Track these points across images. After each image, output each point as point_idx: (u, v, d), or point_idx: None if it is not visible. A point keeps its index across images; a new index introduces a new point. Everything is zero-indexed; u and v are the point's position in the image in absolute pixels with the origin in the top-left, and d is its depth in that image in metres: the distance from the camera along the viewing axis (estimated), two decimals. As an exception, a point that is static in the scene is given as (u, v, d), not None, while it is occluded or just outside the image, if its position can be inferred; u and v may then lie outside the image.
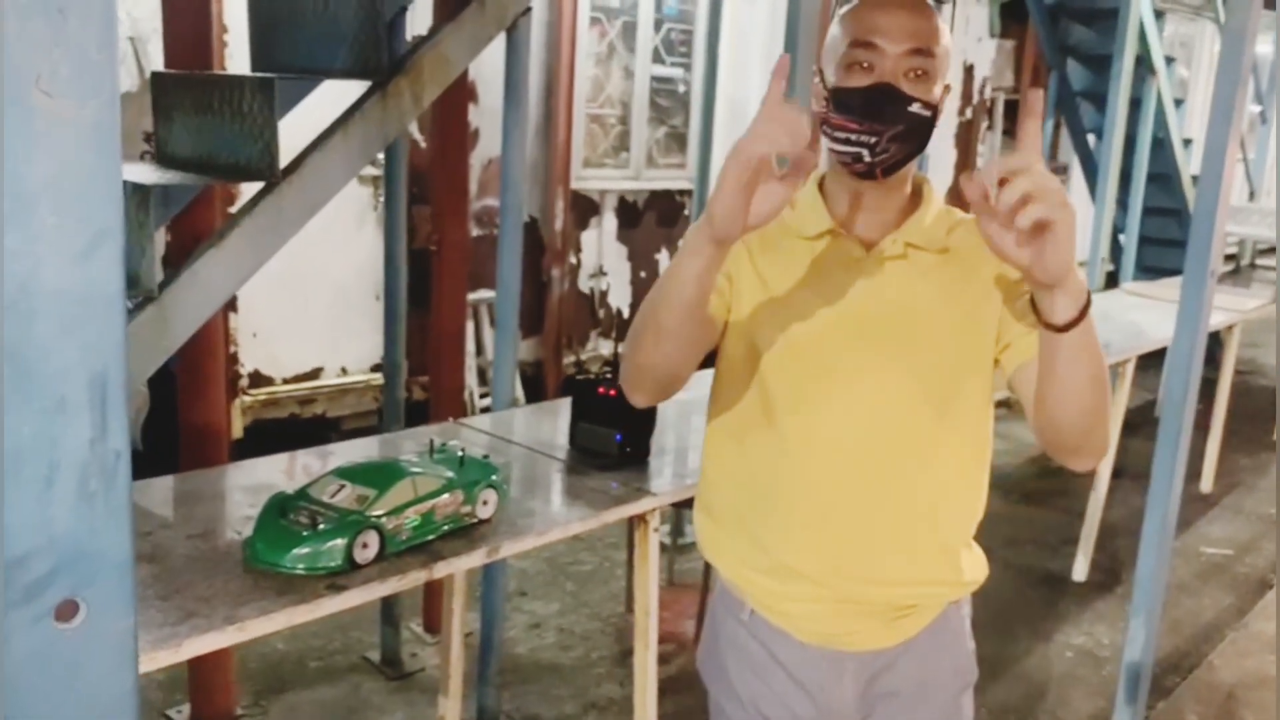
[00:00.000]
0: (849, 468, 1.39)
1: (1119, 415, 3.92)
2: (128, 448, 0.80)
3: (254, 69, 2.60)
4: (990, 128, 8.78)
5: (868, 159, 1.31)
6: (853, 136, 1.30)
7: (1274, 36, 8.45)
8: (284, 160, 2.12)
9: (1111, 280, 5.79)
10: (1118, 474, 4.10)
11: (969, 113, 8.20)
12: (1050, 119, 6.88)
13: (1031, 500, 5.02)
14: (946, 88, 1.36)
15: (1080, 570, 4.11)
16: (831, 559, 1.42)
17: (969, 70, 8.07)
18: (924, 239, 1.38)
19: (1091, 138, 6.86)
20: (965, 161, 8.23)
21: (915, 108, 1.30)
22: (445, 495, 1.79)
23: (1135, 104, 5.77)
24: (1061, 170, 9.28)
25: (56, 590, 0.80)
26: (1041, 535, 4.55)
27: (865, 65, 1.31)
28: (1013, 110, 8.64)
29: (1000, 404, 5.89)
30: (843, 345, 1.37)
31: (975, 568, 1.52)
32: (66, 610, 0.81)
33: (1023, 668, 3.45)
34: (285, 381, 4.91)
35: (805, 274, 1.39)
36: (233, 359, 4.58)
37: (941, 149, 7.88)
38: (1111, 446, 3.92)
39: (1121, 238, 6.39)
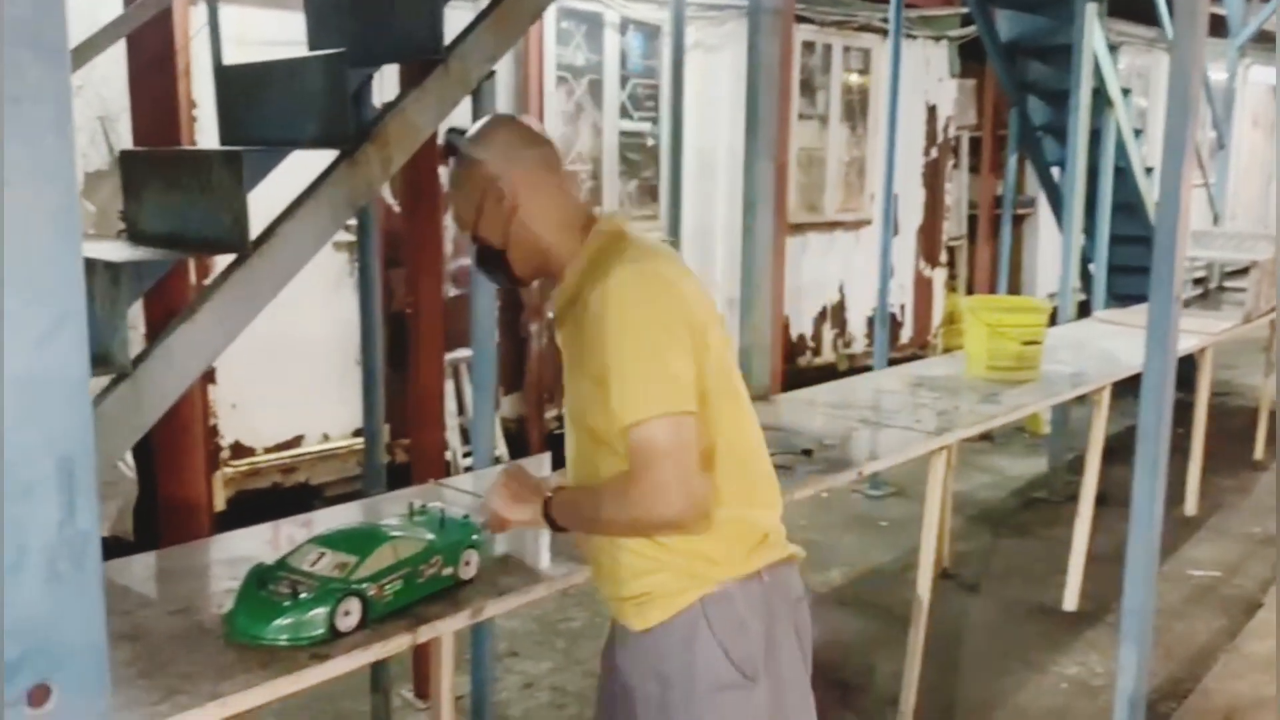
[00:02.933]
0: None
1: (1098, 444, 3.95)
2: (97, 528, 0.81)
3: (223, 142, 2.62)
4: (956, 165, 8.91)
5: (496, 284, 1.84)
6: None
7: (1225, 64, 8.63)
8: (255, 231, 2.13)
9: (1084, 309, 5.85)
10: (1101, 501, 4.11)
11: (934, 152, 8.33)
12: (1014, 154, 6.98)
13: (1018, 532, 5.03)
14: (491, 193, 1.65)
15: (1070, 600, 4.11)
16: None
17: (932, 110, 8.21)
18: (559, 301, 1.69)
19: (1056, 170, 6.97)
20: (934, 197, 8.33)
21: (477, 247, 1.72)
22: (427, 558, 1.78)
23: (1095, 135, 5.87)
24: (1028, 204, 9.41)
25: (27, 675, 0.79)
26: (1029, 566, 4.55)
27: None
28: (977, 147, 8.77)
29: (984, 437, 5.89)
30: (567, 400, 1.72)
31: None
32: (38, 695, 0.80)
33: (1018, 701, 3.44)
34: (266, 451, 4.89)
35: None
36: (212, 431, 4.56)
37: (910, 188, 7.99)
38: (1093, 474, 3.94)
39: (1091, 267, 6.46)
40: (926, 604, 3.02)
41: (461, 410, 5.58)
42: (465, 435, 5.53)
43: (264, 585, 1.67)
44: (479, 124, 1.72)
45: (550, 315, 1.74)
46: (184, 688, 1.45)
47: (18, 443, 0.76)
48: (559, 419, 6.14)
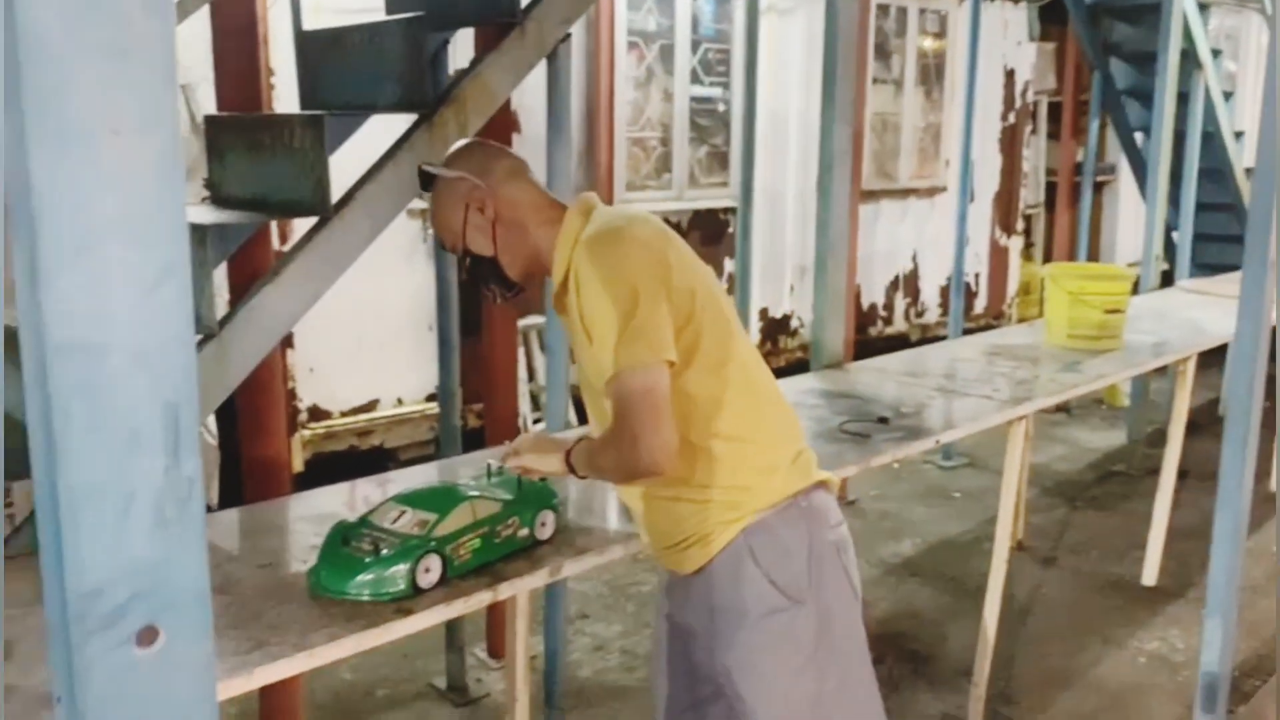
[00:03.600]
0: None
1: (1181, 415, 3.84)
2: (200, 475, 0.82)
3: (303, 107, 2.66)
4: (1034, 131, 8.70)
5: (493, 298, 1.86)
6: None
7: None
8: (335, 195, 2.16)
9: (1166, 279, 5.68)
10: (1183, 475, 4.01)
11: (1011, 117, 8.13)
12: (1095, 119, 6.78)
13: (1094, 505, 4.93)
14: (473, 205, 1.75)
15: (1150, 574, 4.02)
16: None
17: (1010, 75, 8.01)
18: (555, 282, 1.75)
19: (1139, 135, 6.76)
20: (1011, 164, 8.15)
21: (469, 262, 1.81)
22: (504, 518, 1.80)
23: (1183, 99, 5.67)
24: (1109, 170, 9.15)
25: (136, 617, 0.81)
26: (1106, 540, 4.46)
27: None
28: (1055, 112, 8.54)
29: (1060, 409, 5.80)
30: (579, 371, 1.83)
31: None
32: (146, 636, 0.82)
33: (1095, 675, 3.38)
34: (342, 414, 4.98)
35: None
36: (291, 394, 4.65)
37: (986, 154, 7.82)
38: (1176, 446, 3.84)
39: (1175, 235, 6.27)
40: (1003, 575, 2.98)
41: (531, 377, 5.62)
42: (534, 401, 5.58)
43: (347, 542, 1.70)
44: (449, 151, 1.85)
45: (551, 305, 1.85)
46: (272, 639, 1.48)
47: (126, 390, 0.78)
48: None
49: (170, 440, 0.79)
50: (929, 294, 7.77)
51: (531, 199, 1.77)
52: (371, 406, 5.09)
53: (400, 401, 5.19)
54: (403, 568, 1.63)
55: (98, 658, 0.80)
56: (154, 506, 0.80)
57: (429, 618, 1.62)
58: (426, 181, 1.80)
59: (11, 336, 2.21)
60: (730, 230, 6.40)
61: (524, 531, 1.84)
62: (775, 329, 6.76)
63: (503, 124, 3.43)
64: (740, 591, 1.68)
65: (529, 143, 5.16)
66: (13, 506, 4.03)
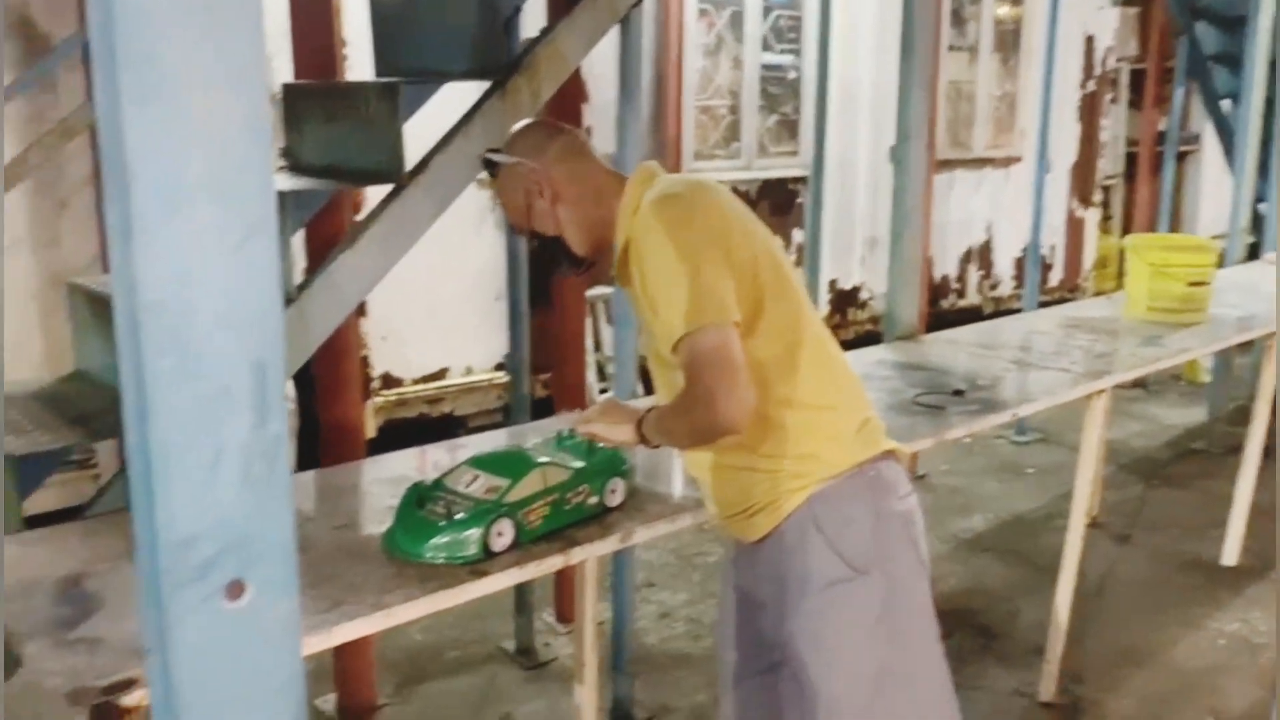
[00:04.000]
0: None
1: (1268, 392, 3.72)
2: (286, 433, 0.83)
3: (377, 75, 2.67)
4: (1114, 99, 8.44)
5: (564, 274, 1.89)
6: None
7: None
8: (409, 163, 2.17)
9: (1253, 252, 5.49)
10: (1268, 453, 3.89)
11: (1091, 85, 7.91)
12: (1180, 86, 6.55)
13: (1172, 483, 4.81)
14: (533, 188, 1.76)
15: (1230, 554, 3.92)
16: None
17: (1089, 41, 7.78)
18: (619, 254, 1.76)
19: (1226, 103, 6.52)
20: (1089, 133, 7.93)
21: (537, 242, 1.82)
22: (575, 485, 1.81)
23: (1274, 66, 5.45)
24: (1192, 140, 8.86)
25: (224, 571, 0.83)
26: (1184, 519, 4.36)
27: None
28: (1137, 79, 8.29)
29: (1137, 384, 5.67)
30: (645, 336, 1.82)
31: None
32: (234, 590, 0.83)
33: (1171, 656, 3.31)
34: (414, 382, 5.04)
35: None
36: (364, 362, 4.72)
37: (1064, 123, 7.62)
38: (1261, 424, 3.73)
39: (1262, 207, 6.05)
40: (1077, 551, 2.92)
41: (597, 347, 5.64)
42: (600, 371, 5.59)
43: (421, 505, 1.72)
44: (507, 137, 1.88)
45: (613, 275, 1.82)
46: (349, 598, 1.51)
47: (215, 347, 0.78)
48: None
49: (258, 398, 0.80)
50: (1003, 266, 7.62)
51: (591, 174, 1.78)
52: (442, 374, 5.15)
53: (469, 370, 5.24)
54: (476, 532, 1.65)
55: (188, 610, 0.82)
56: (241, 463, 0.81)
57: (501, 580, 1.63)
58: (491, 168, 1.83)
59: (94, 301, 2.27)
60: (799, 200, 6.32)
61: (594, 499, 1.84)
62: (844, 301, 6.68)
63: (572, 92, 3.42)
64: (806, 560, 1.68)
65: (597, 111, 5.14)
66: (98, 467, 4.16)
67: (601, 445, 1.94)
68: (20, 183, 2.35)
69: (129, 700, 1.24)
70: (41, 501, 2.27)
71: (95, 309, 2.25)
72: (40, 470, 2.39)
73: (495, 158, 1.81)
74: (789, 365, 1.66)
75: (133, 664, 1.29)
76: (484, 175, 2.11)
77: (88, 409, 2.13)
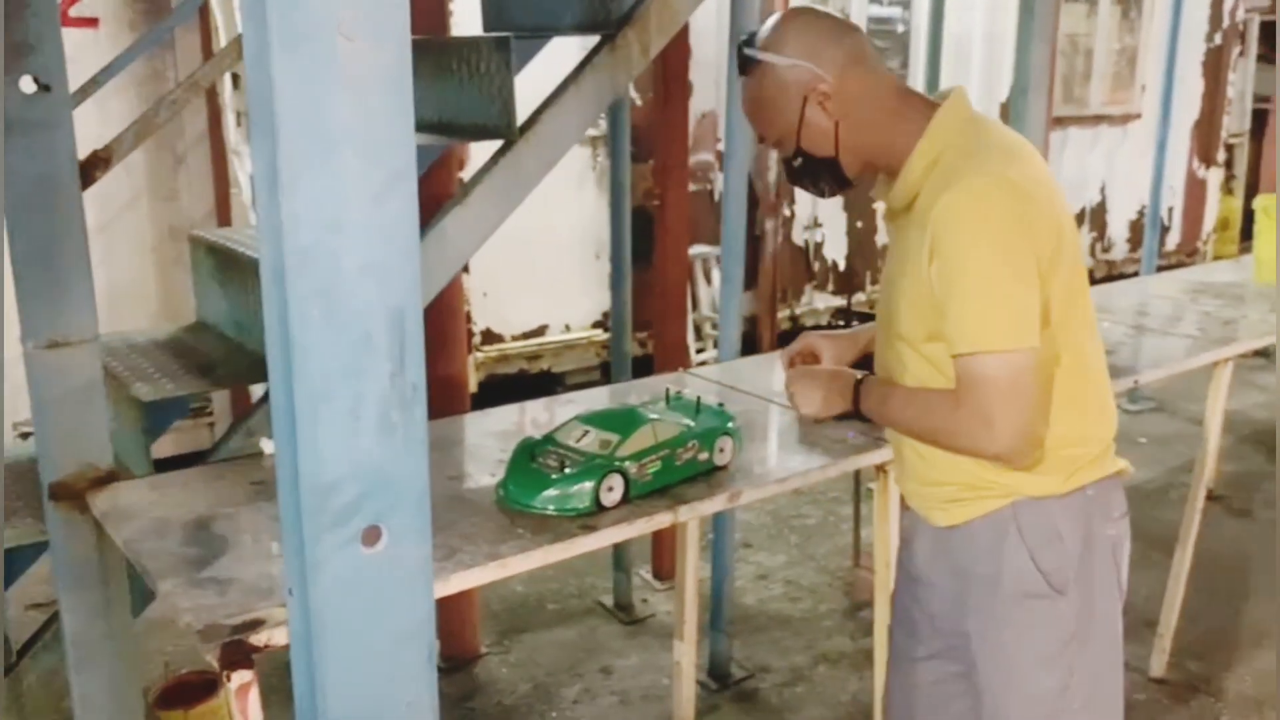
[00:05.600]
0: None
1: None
2: (424, 382, 0.84)
3: (486, 30, 2.67)
4: (1243, 53, 8.03)
5: (819, 195, 1.65)
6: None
7: None
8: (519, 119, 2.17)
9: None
10: (1403, 428, 3.70)
11: (1218, 38, 7.53)
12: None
13: (1296, 457, 4.61)
14: (812, 98, 1.50)
15: (1358, 533, 3.75)
16: None
17: (1218, -10, 7.40)
18: (896, 201, 1.54)
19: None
20: (1214, 89, 7.56)
21: (795, 163, 1.58)
22: (684, 441, 1.80)
23: None
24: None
25: (362, 517, 0.84)
26: (1310, 495, 4.18)
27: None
28: (1269, 32, 7.86)
29: (1259, 353, 5.41)
30: (881, 289, 1.66)
31: None
32: (371, 536, 0.85)
33: (1292, 636, 3.19)
34: (514, 338, 5.10)
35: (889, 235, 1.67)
36: (466, 318, 4.79)
37: (1187, 78, 7.27)
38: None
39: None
40: (1195, 525, 2.82)
41: (694, 306, 5.62)
42: (696, 331, 5.57)
43: (533, 458, 1.73)
44: (771, 25, 1.54)
45: (881, 209, 1.63)
46: (464, 547, 1.53)
47: (358, 294, 0.79)
48: (791, 318, 6.09)
49: (396, 347, 0.81)
50: (1117, 229, 7.35)
51: (883, 90, 1.53)
52: (541, 331, 5.20)
53: (568, 328, 5.28)
54: (588, 485, 1.65)
55: (328, 554, 0.83)
56: (380, 409, 0.82)
57: (612, 535, 1.64)
58: (746, 63, 1.54)
59: (216, 253, 2.33)
60: (905, 159, 6.17)
61: (703, 455, 1.83)
62: (948, 262, 6.52)
63: (679, 48, 3.38)
64: (999, 563, 1.54)
65: (699, 67, 5.07)
66: (213, 415, 4.30)
67: (712, 404, 1.94)
68: (144, 142, 2.44)
69: (257, 639, 1.28)
70: (160, 448, 2.36)
71: (218, 261, 2.31)
72: (165, 417, 2.48)
73: (766, 57, 1.51)
74: (1054, 382, 1.49)
75: (261, 604, 1.33)
76: (590, 128, 2.09)
77: (210, 358, 2.20)
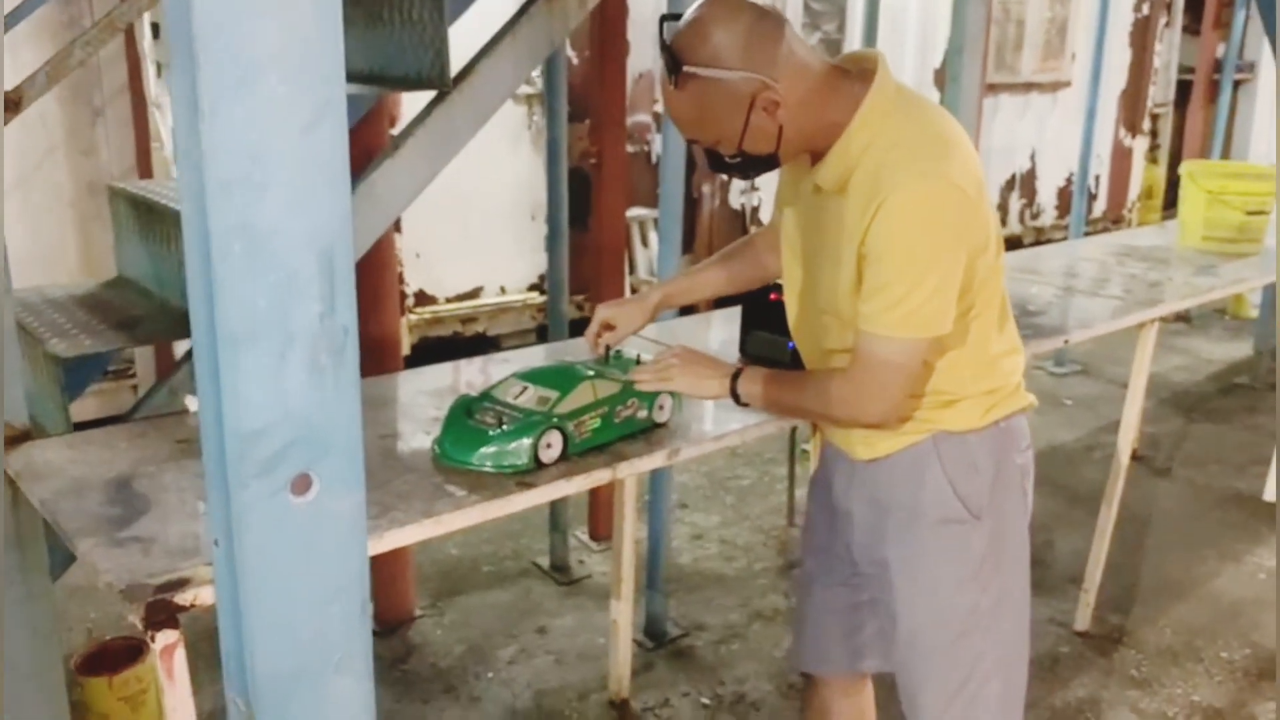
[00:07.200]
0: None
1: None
2: (355, 325, 0.80)
3: (419, -20, 2.60)
4: (1169, 24, 8.18)
5: (744, 180, 1.75)
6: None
7: None
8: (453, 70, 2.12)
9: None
10: (1316, 389, 3.82)
11: (1145, 8, 7.65)
12: (1242, 9, 6.33)
13: (1214, 418, 4.75)
14: (759, 104, 1.45)
15: (1271, 490, 3.87)
16: None
17: (1146, -38, 7.52)
18: (827, 182, 1.54)
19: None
20: (1141, 59, 7.70)
21: (732, 160, 1.54)
22: (624, 399, 1.78)
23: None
24: (1246, 68, 8.59)
25: (291, 464, 0.81)
26: (1226, 454, 4.30)
27: None
28: (1195, 4, 8.01)
29: (1180, 318, 5.55)
30: (791, 260, 1.71)
31: None
32: (301, 484, 0.82)
33: (1210, 589, 3.29)
34: (448, 300, 5.03)
35: (796, 205, 1.67)
36: (399, 279, 4.71)
37: (1114, 48, 7.39)
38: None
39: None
40: (1120, 483, 2.89)
41: (632, 269, 5.59)
42: (634, 293, 5.56)
43: (470, 414, 1.70)
44: (697, 31, 1.43)
45: (808, 186, 1.58)
46: (399, 505, 1.50)
47: (283, 230, 0.76)
48: (729, 282, 6.10)
49: (326, 287, 0.78)
50: (1045, 195, 7.48)
51: (815, 77, 1.47)
52: (476, 294, 5.13)
53: (503, 290, 5.22)
54: (526, 442, 1.63)
55: (255, 503, 0.80)
56: (310, 353, 0.79)
57: (550, 492, 1.62)
58: (675, 73, 1.44)
59: (136, 205, 2.24)
60: (840, 123, 6.19)
61: (643, 413, 1.82)
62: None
63: (618, 2, 3.33)
64: (919, 493, 1.64)
65: (635, 26, 5.02)
66: (135, 377, 4.18)
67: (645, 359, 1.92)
68: (57, 86, 2.31)
69: (183, 598, 1.23)
70: (82, 410, 2.28)
71: (139, 214, 2.23)
72: (84, 375, 2.39)
73: (706, 72, 1.42)
74: (970, 323, 1.57)
75: (186, 564, 1.29)
76: (524, 85, 2.05)
77: (131, 314, 2.12)
